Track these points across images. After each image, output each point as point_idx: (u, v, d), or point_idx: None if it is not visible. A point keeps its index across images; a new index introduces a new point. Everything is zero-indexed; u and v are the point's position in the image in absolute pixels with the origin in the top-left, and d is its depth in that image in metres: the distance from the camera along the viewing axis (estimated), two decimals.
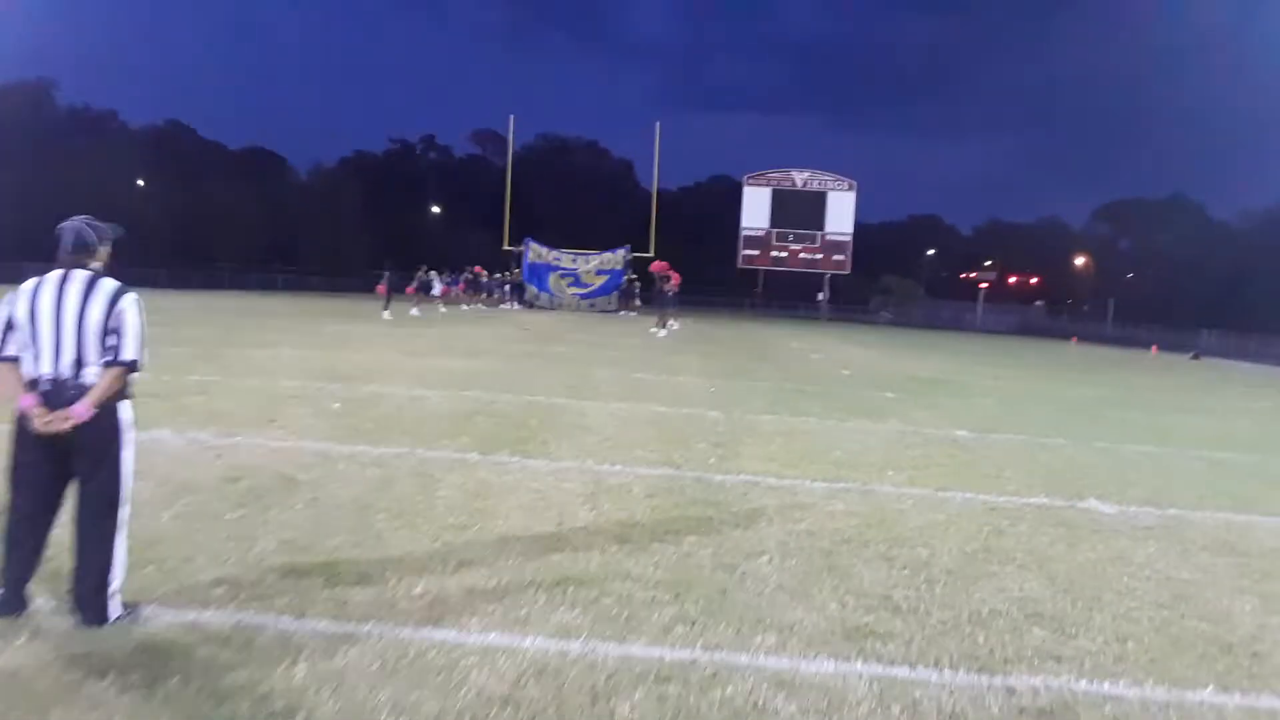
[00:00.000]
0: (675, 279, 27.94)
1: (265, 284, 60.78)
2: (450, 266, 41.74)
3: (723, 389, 13.06)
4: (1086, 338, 47.08)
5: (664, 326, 26.40)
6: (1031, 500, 6.90)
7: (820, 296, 58.70)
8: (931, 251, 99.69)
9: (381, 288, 27.51)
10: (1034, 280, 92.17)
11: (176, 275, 58.18)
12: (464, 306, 36.62)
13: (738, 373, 15.81)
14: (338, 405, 9.06)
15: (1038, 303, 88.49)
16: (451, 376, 12.23)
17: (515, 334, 22.44)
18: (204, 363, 12.25)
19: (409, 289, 31.67)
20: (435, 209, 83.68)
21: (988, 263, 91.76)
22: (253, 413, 8.37)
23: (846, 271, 55.46)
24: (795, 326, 42.94)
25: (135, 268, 56.03)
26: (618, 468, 7.05)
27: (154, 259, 60.90)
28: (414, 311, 29.15)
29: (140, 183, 67.05)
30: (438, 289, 35.15)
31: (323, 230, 72.30)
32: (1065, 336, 50.30)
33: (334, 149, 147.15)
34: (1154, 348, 39.85)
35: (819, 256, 54.71)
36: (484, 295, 43.76)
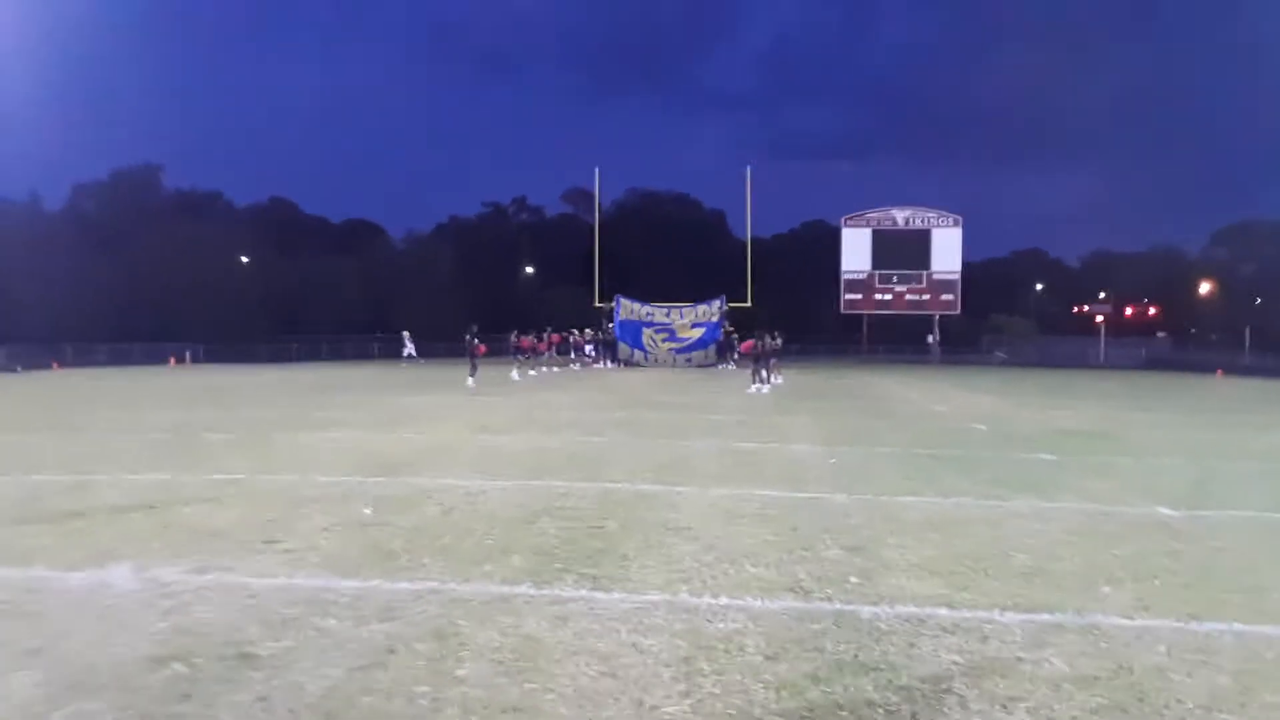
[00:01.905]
0: (769, 342, 25.54)
1: (362, 353, 60.90)
2: (539, 328, 40.53)
3: (844, 459, 10.93)
4: (1229, 369, 42.90)
5: (764, 381, 24.27)
6: None
7: (930, 339, 55.57)
8: (1039, 286, 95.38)
9: (482, 348, 26.07)
10: (1152, 311, 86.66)
11: (277, 349, 58.88)
12: (555, 369, 35.17)
13: (857, 435, 13.62)
14: (369, 510, 7.30)
15: (1159, 334, 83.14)
16: (521, 460, 10.43)
17: (602, 399, 20.64)
18: (239, 454, 10.76)
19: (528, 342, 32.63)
20: (529, 269, 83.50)
21: (1102, 295, 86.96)
22: (256, 528, 6.66)
23: (956, 312, 52.38)
24: (906, 373, 40.15)
25: (235, 343, 57.31)
26: (723, 600, 5.06)
27: (255, 334, 61.97)
28: (514, 375, 27.83)
29: (244, 260, 68.51)
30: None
31: (417, 297, 72.53)
32: (1201, 369, 46.09)
33: (430, 217, 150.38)
34: None
35: (926, 297, 51.83)
36: (561, 356, 42.28)
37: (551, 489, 8.44)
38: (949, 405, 19.77)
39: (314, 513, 7.22)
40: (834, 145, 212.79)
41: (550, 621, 4.65)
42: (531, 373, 32.31)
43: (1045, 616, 4.89)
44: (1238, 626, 4.78)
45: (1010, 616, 4.88)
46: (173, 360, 48.45)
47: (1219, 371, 39.90)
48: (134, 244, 61.75)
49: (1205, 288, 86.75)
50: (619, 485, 8.71)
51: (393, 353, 61.17)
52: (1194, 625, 4.80)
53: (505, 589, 5.21)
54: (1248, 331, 61.12)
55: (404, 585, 5.22)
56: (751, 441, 12.49)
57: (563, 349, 42.34)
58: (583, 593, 5.18)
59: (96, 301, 55.52)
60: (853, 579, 5.58)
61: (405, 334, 45.67)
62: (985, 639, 4.52)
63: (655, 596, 5.13)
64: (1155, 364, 54.74)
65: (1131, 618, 4.90)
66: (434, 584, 5.25)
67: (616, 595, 5.14)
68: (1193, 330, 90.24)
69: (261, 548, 6.09)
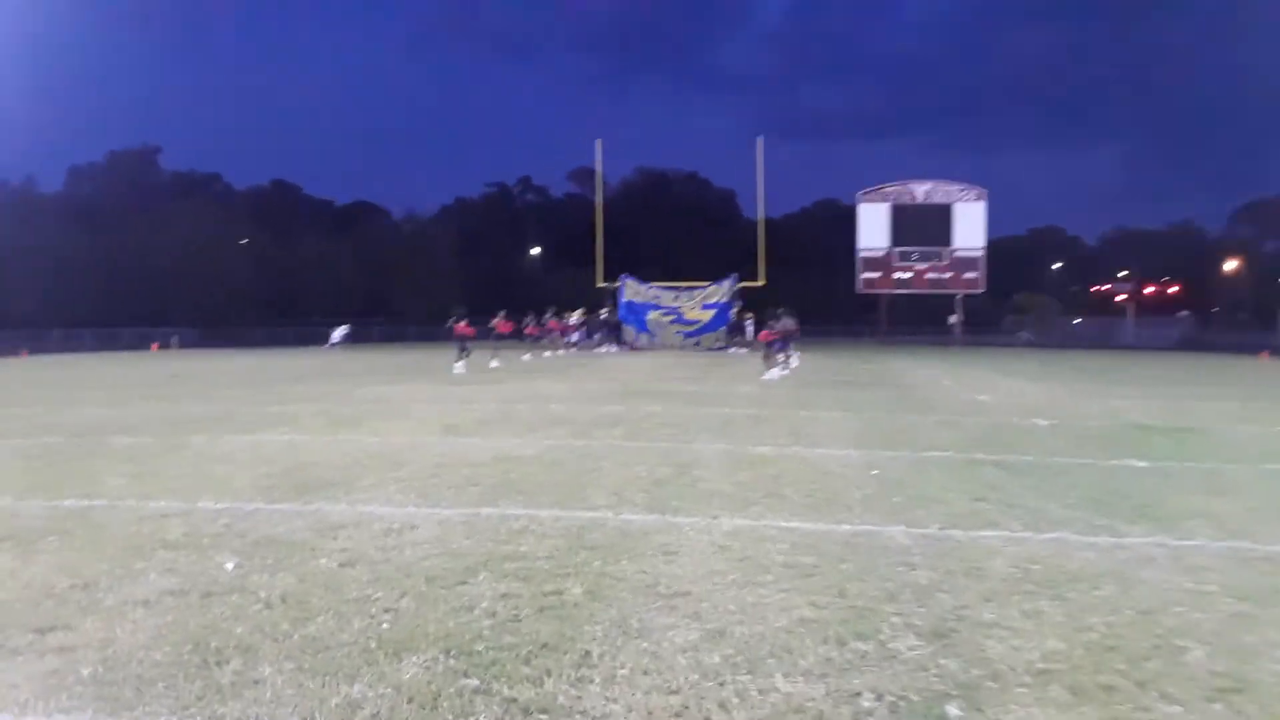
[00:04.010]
0: (784, 325, 23.10)
1: (360, 336, 58.80)
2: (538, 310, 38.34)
3: (887, 469, 8.72)
4: (1265, 350, 40.34)
5: (778, 365, 22.01)
6: None
7: (951, 319, 53.07)
8: (1057, 265, 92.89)
9: (463, 327, 23.74)
10: (1173, 289, 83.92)
11: (272, 333, 56.92)
12: (545, 354, 32.91)
13: (898, 435, 11.37)
14: (230, 566, 5.12)
15: (1182, 313, 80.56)
16: (481, 475, 8.24)
17: (599, 389, 18.42)
18: (129, 467, 8.62)
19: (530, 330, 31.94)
20: (534, 251, 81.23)
21: (1123, 273, 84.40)
22: (44, 600, 4.49)
23: (980, 290, 49.88)
24: (931, 356, 37.75)
25: (230, 326, 55.35)
26: None
27: (250, 317, 60.02)
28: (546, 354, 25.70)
29: (241, 243, 66.40)
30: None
31: (419, 279, 70.40)
32: (1237, 351, 43.56)
33: (436, 198, 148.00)
34: None
35: (948, 275, 49.30)
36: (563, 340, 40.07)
37: (506, 522, 6.26)
38: (993, 394, 17.48)
39: (153, 569, 5.04)
40: (847, 125, 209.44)
41: None
42: (525, 357, 30.19)
43: None
44: None
45: None
46: (155, 346, 46.43)
47: (1264, 354, 37.36)
48: (128, 227, 59.80)
49: (1231, 265, 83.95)
50: (598, 514, 6.53)
51: (393, 337, 59.34)
52: None
53: None
54: None
55: None
56: (769, 444, 10.28)
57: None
58: None
59: (87, 285, 53.70)
60: (953, 713, 3.39)
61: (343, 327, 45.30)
62: None
63: None
64: (1188, 345, 52.14)
65: None
66: None
67: None
68: (1215, 310, 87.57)
69: (26, 644, 3.93)
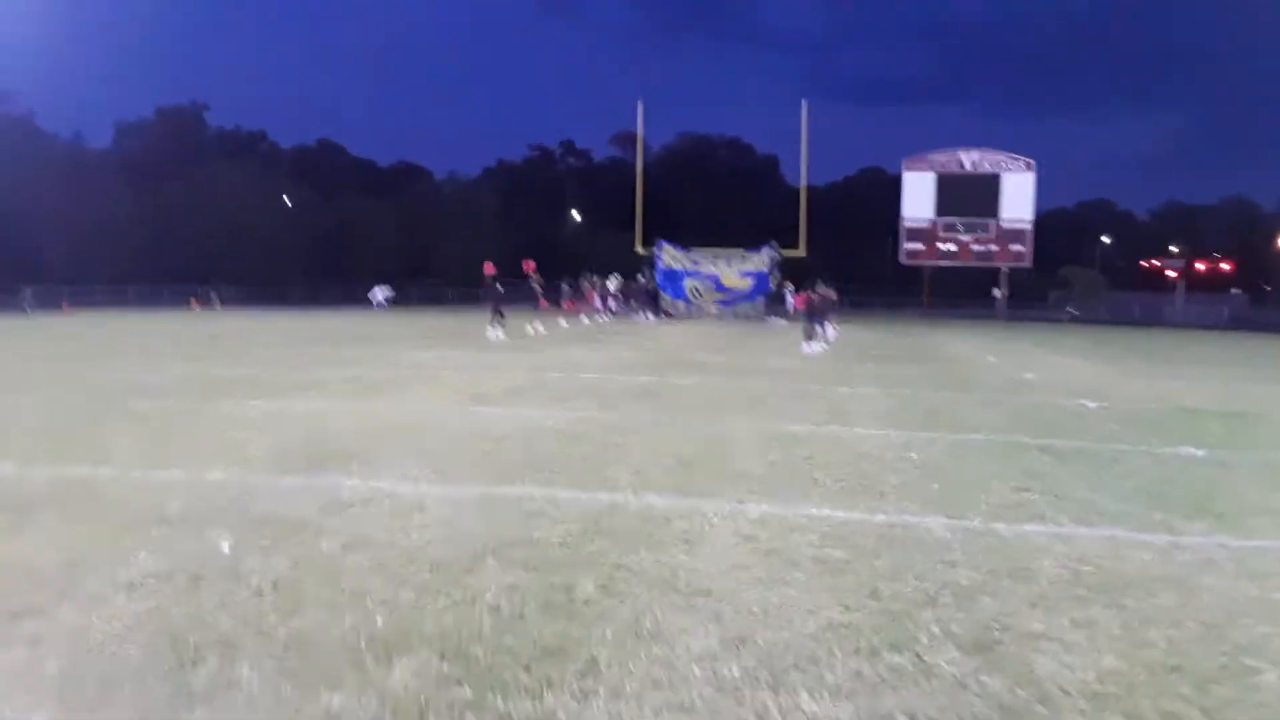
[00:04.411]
0: (823, 295, 22.54)
1: (400, 298, 58.95)
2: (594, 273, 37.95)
3: (925, 452, 8.30)
4: None
5: (817, 338, 21.55)
6: None
7: (996, 293, 51.90)
8: (1106, 239, 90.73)
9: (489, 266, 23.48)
10: (1225, 266, 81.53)
11: (311, 291, 57.17)
12: (584, 320, 32.57)
13: (937, 414, 10.91)
14: (226, 547, 4.86)
15: (1234, 291, 78.33)
16: (503, 449, 7.95)
17: (632, 358, 18.08)
18: (144, 431, 8.48)
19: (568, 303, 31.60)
20: (575, 215, 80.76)
21: (1174, 248, 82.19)
22: (16, 584, 4.26)
23: (1027, 264, 48.67)
24: (973, 330, 36.90)
25: (272, 285, 55.63)
26: None
27: (290, 276, 60.26)
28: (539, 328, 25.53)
29: (285, 200, 66.56)
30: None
31: (460, 241, 70.21)
32: None
33: (478, 160, 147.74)
34: None
35: (994, 248, 48.12)
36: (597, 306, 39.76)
37: (521, 503, 5.95)
38: (1037, 372, 16.88)
39: (144, 548, 4.79)
40: (893, 90, 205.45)
41: None
42: (563, 323, 29.94)
43: None
44: None
45: None
46: (195, 303, 46.76)
47: None
48: (173, 184, 60.11)
49: None
50: (618, 497, 6.20)
51: (432, 299, 59.33)
52: None
53: None
54: None
55: None
56: (804, 422, 9.88)
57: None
58: None
59: (131, 242, 54.20)
60: None
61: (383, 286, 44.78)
62: None
63: None
64: (1240, 324, 50.64)
65: None
66: None
67: None
68: (1269, 288, 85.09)
69: None
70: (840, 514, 5.95)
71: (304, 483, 6.38)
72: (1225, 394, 14.10)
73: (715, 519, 5.71)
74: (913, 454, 8.16)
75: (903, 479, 7.12)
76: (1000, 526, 5.76)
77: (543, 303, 29.08)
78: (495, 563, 4.69)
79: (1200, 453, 8.70)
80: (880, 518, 5.90)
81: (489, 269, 23.94)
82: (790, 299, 39.19)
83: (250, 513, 5.54)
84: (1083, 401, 12.38)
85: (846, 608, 4.22)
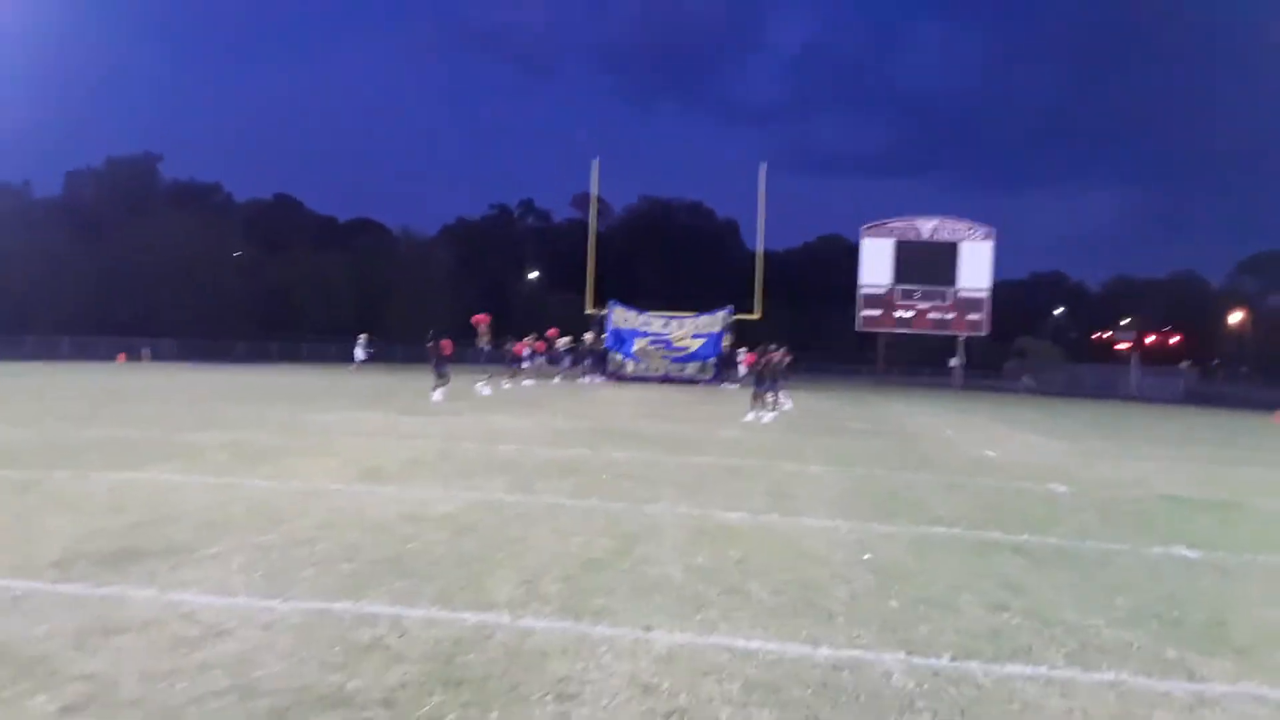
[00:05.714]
0: (775, 357, 21.31)
1: (346, 355, 56.98)
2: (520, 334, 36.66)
3: (882, 552, 7.02)
4: (1268, 406, 38.59)
5: (766, 406, 20.32)
6: None
7: (952, 363, 51.36)
8: (1059, 311, 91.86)
9: (446, 344, 21.87)
10: (1174, 340, 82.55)
11: (256, 348, 55.18)
12: (525, 382, 31.09)
13: (895, 502, 9.64)
14: None
15: (1183, 364, 79.13)
16: (370, 541, 6.54)
17: (566, 426, 16.66)
18: None
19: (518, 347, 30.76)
20: (531, 274, 79.80)
21: (1125, 321, 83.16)
22: None
23: (984, 333, 48.25)
24: (929, 400, 35.99)
25: (216, 340, 53.53)
26: None
27: (236, 332, 58.15)
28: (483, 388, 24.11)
29: (234, 255, 64.69)
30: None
31: (412, 299, 68.75)
32: (1244, 406, 41.91)
33: (438, 218, 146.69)
34: None
35: (951, 316, 47.68)
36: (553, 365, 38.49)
37: (359, 628, 4.56)
38: (1000, 450, 15.74)
39: None
40: (854, 162, 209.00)
41: None
42: (505, 384, 28.50)
43: None
44: None
45: None
46: (122, 356, 44.55)
47: (1278, 415, 35.58)
48: (121, 234, 58.11)
49: (1236, 317, 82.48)
50: (490, 618, 4.83)
51: (378, 357, 57.45)
52: None
53: None
54: None
55: None
56: (742, 509, 8.56)
57: (552, 356, 38.38)
58: None
59: (76, 291, 52.08)
60: None
61: (362, 337, 42.47)
62: None
63: None
64: (1193, 399, 50.40)
65: None
66: None
67: None
68: (1216, 361, 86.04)
69: None
70: (773, 646, 4.64)
71: (82, 592, 4.95)
72: (1201, 478, 13.03)
73: (608, 657, 4.36)
74: (867, 555, 6.87)
75: (854, 590, 5.83)
76: (975, 667, 4.49)
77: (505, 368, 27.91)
78: None
79: (1194, 555, 7.53)
80: (824, 652, 4.60)
81: (448, 348, 22.13)
82: (741, 362, 38.10)
83: None
84: (1051, 485, 11.22)
85: None
